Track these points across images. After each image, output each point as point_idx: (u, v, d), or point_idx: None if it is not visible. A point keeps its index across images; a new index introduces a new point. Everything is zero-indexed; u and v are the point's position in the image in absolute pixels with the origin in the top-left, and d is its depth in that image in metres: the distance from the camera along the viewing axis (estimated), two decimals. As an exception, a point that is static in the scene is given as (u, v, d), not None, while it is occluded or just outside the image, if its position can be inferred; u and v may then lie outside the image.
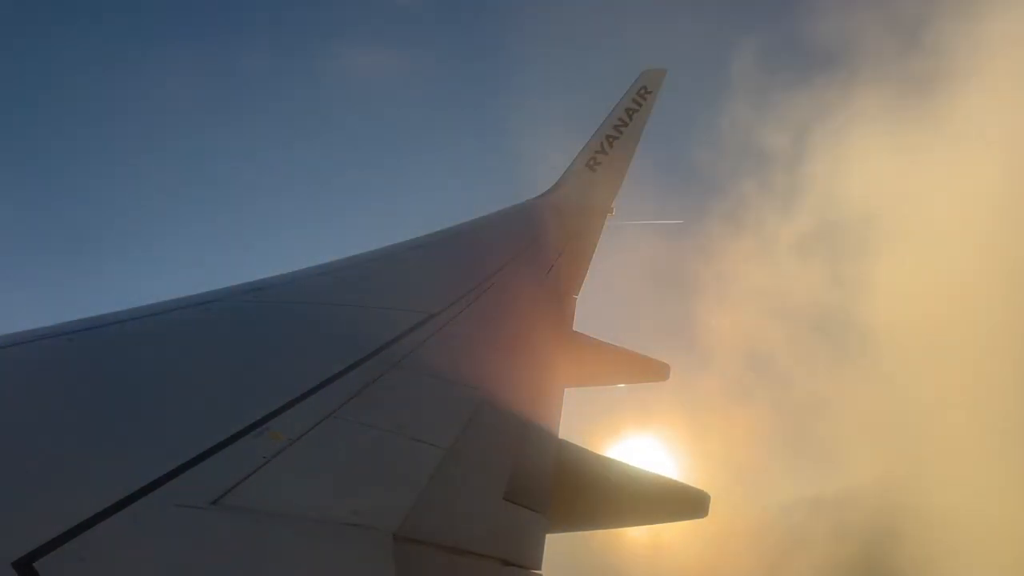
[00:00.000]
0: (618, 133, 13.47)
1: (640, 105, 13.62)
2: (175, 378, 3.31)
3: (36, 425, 2.62)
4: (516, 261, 7.92)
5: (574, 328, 6.82)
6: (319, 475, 2.59)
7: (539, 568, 2.60)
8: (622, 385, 7.14)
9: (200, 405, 2.96)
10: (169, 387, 3.18)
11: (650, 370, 6.87)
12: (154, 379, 3.27)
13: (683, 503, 3.97)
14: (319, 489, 2.48)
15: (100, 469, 2.30)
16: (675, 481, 4.05)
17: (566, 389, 4.75)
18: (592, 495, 3.69)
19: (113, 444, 2.54)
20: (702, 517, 3.93)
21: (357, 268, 6.10)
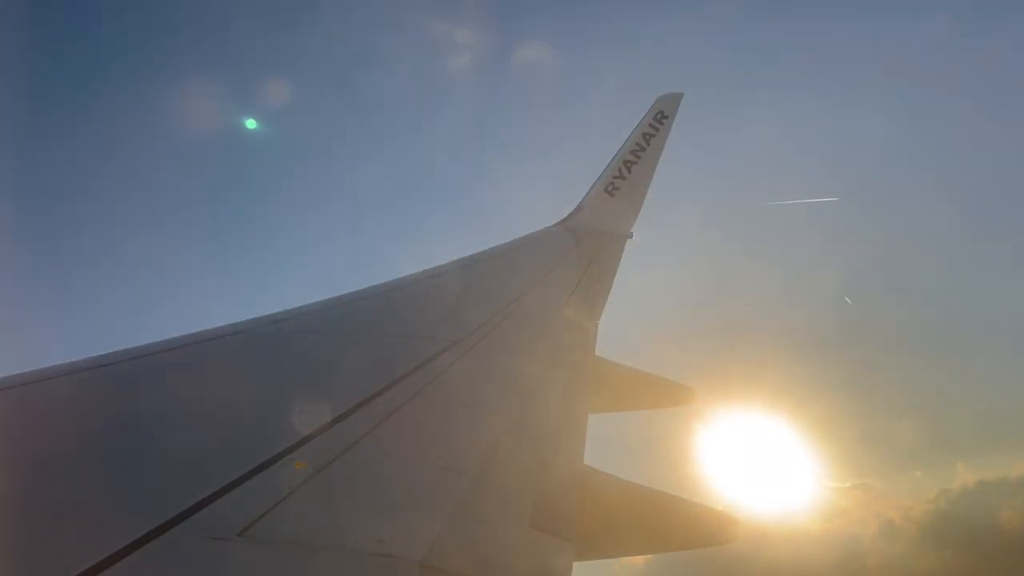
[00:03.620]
0: (636, 158, 13.49)
1: (657, 130, 13.65)
2: (201, 409, 3.33)
3: (65, 458, 2.65)
4: (537, 287, 7.92)
5: (596, 353, 6.79)
6: (345, 504, 2.58)
7: None
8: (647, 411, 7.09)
9: (226, 435, 2.97)
10: (195, 418, 3.20)
11: (676, 395, 6.81)
12: (180, 410, 3.30)
13: (711, 528, 3.91)
14: (345, 519, 2.48)
15: (128, 501, 2.32)
16: (703, 506, 3.99)
17: (591, 415, 4.72)
18: (618, 522, 3.65)
19: (140, 475, 2.56)
20: (730, 543, 3.86)
21: (379, 297, 6.13)
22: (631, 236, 12.66)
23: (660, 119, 13.74)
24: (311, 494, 2.51)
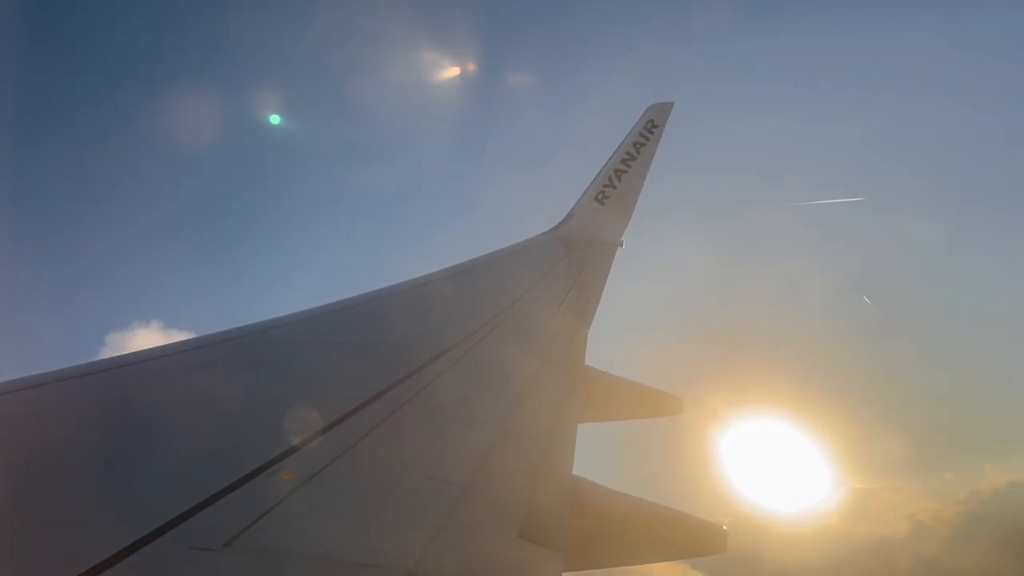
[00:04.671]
0: (626, 167, 13.54)
1: (647, 139, 13.72)
2: (188, 418, 3.31)
3: (50, 466, 2.63)
4: (527, 296, 7.92)
5: (586, 362, 6.79)
6: (333, 515, 2.57)
7: None
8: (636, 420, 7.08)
9: (213, 445, 2.96)
10: (182, 427, 3.18)
11: (663, 404, 6.82)
12: (166, 419, 3.28)
13: (699, 538, 3.91)
14: (333, 529, 2.47)
15: (113, 511, 2.30)
16: (691, 516, 3.99)
17: (579, 425, 4.72)
18: (607, 532, 3.65)
19: (126, 485, 2.54)
20: (719, 553, 3.86)
21: (367, 305, 6.12)
22: (621, 244, 12.71)
23: (651, 128, 13.81)
24: (299, 504, 2.50)
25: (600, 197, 13.36)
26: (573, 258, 11.04)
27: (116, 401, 3.44)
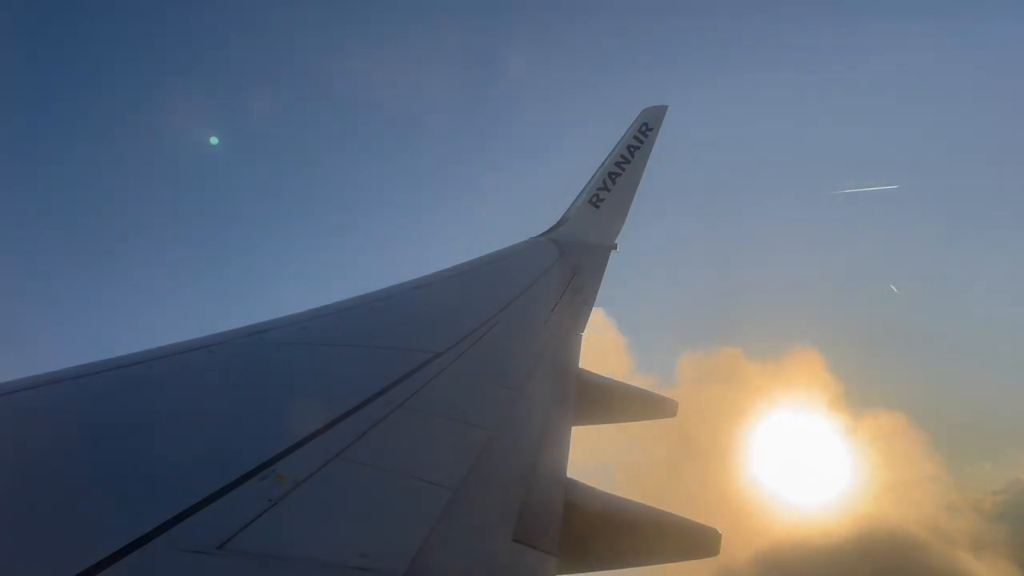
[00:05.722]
0: (620, 170, 13.59)
1: (641, 142, 13.77)
2: (180, 421, 3.30)
3: (42, 469, 2.62)
4: (520, 299, 7.92)
5: (580, 365, 6.79)
6: (326, 518, 2.57)
7: None
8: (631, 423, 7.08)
9: (205, 448, 2.95)
10: (174, 430, 3.17)
11: (659, 407, 6.82)
12: (159, 422, 3.27)
13: (694, 542, 3.92)
14: (326, 532, 2.46)
15: (105, 514, 2.29)
16: (685, 519, 3.99)
17: (574, 427, 4.72)
18: (601, 535, 3.64)
19: (119, 487, 2.53)
20: (713, 556, 3.87)
21: (360, 308, 6.11)
22: (615, 247, 12.73)
23: (644, 131, 13.86)
24: (292, 507, 2.49)
25: (594, 200, 13.39)
26: (567, 261, 11.04)
27: (110, 403, 3.43)
